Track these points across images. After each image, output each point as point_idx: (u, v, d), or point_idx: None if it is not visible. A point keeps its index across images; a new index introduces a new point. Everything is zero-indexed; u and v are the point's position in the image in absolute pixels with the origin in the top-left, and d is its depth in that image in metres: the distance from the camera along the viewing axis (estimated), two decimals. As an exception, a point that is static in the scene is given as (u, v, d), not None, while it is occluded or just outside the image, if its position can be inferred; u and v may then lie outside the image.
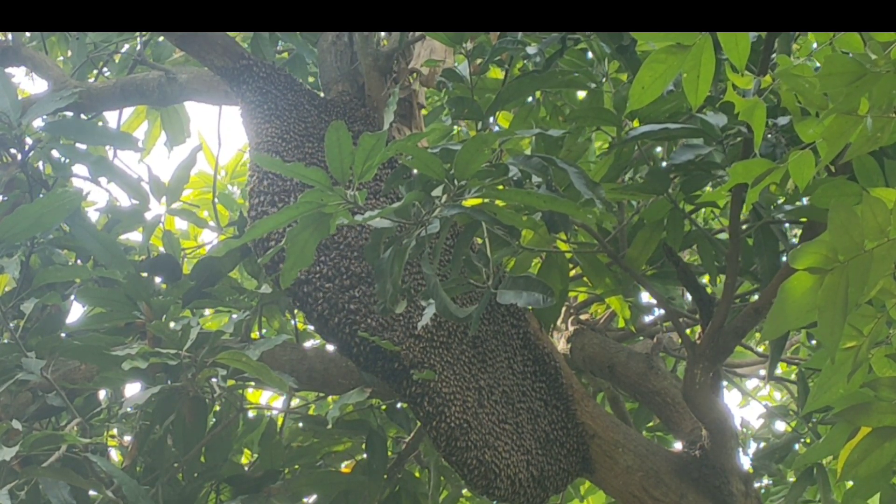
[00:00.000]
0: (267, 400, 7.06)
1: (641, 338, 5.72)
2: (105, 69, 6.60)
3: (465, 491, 5.98)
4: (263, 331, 5.84)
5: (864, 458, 3.32)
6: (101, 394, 5.19)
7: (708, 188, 4.40)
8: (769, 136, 3.96)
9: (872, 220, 2.53)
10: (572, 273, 4.79)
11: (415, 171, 3.73)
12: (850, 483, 3.70)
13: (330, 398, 5.67)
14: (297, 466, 5.41)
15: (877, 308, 2.91)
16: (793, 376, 6.39)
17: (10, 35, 5.90)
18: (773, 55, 3.61)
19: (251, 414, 5.70)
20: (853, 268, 2.57)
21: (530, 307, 4.29)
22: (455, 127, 6.00)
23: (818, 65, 3.04)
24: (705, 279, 5.48)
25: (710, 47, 3.08)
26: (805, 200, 4.00)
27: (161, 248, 5.92)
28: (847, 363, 3.01)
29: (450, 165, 3.46)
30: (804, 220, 4.10)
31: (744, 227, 4.18)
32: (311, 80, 6.26)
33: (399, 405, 5.43)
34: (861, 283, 2.58)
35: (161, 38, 6.28)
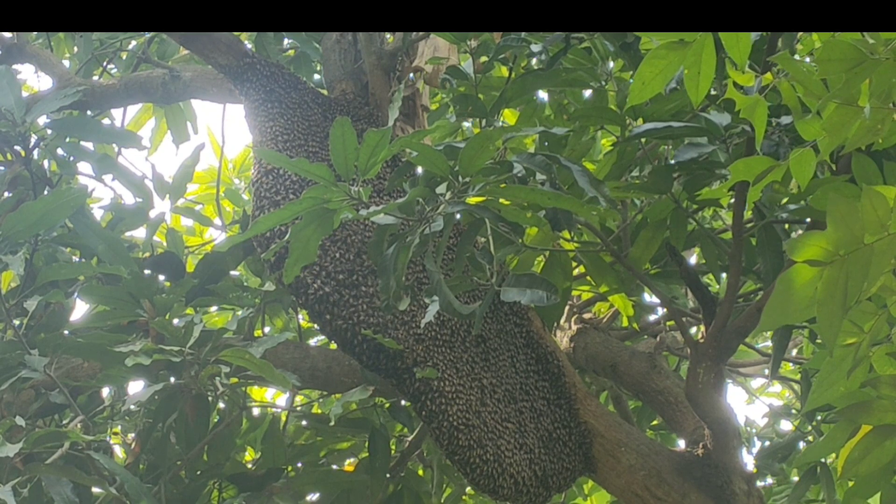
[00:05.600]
0: (271, 398, 7.08)
1: (645, 337, 5.73)
2: (111, 66, 6.60)
3: (467, 489, 5.98)
4: (266, 329, 5.85)
5: (865, 456, 3.30)
6: (105, 391, 5.19)
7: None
8: (773, 135, 3.95)
9: (872, 215, 2.52)
10: (575, 272, 4.79)
11: (419, 168, 3.73)
12: (852, 482, 3.69)
13: (333, 396, 5.68)
14: (299, 465, 5.41)
15: (878, 305, 2.90)
16: (798, 376, 6.39)
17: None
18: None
19: (254, 412, 5.70)
20: (853, 262, 2.56)
21: (533, 305, 4.31)
22: (463, 124, 6.01)
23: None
24: (708, 278, 5.48)
25: (710, 44, 3.08)
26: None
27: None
28: (847, 360, 3.00)
29: (454, 162, 3.46)
30: (808, 219, 4.10)
31: (747, 226, 4.18)
32: (316, 76, 6.26)
33: (402, 403, 5.43)
34: (861, 278, 2.57)
35: (165, 36, 6.28)
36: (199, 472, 4.99)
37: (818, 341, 5.39)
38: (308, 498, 5.37)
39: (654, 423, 6.18)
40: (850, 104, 2.74)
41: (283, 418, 5.76)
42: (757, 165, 3.01)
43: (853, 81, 2.70)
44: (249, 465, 5.61)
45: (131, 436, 5.05)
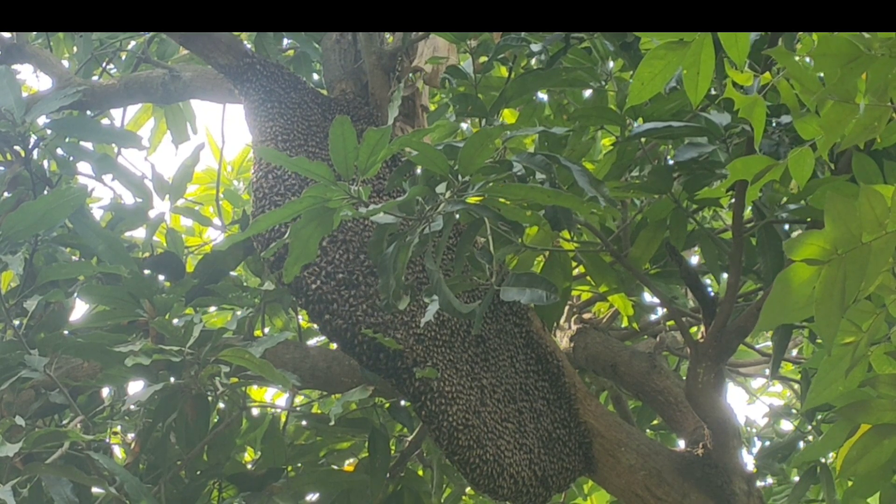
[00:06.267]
0: (271, 398, 7.07)
1: (645, 337, 5.72)
2: (111, 66, 6.61)
3: (467, 489, 5.98)
4: (266, 329, 5.84)
5: (863, 455, 3.30)
6: (104, 391, 5.19)
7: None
8: (773, 135, 3.95)
9: (870, 213, 2.51)
10: (575, 272, 4.79)
11: (418, 168, 3.73)
12: (851, 482, 3.69)
13: (333, 396, 5.68)
14: (299, 464, 5.41)
15: (876, 305, 2.90)
16: (798, 376, 6.39)
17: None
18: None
19: (254, 412, 5.70)
20: (851, 260, 2.55)
21: (533, 305, 4.31)
22: (461, 125, 6.01)
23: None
24: (708, 278, 5.47)
25: (709, 44, 3.08)
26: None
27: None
28: (845, 359, 3.00)
29: (454, 162, 3.46)
30: (808, 219, 4.10)
31: (748, 226, 4.18)
32: (316, 76, 6.26)
33: (402, 403, 5.43)
34: (859, 277, 2.56)
35: (165, 36, 6.28)
36: (198, 472, 4.99)
37: (818, 341, 5.39)
38: (308, 498, 5.37)
39: (654, 422, 6.17)
40: (847, 101, 2.74)
41: (283, 418, 5.76)
42: (755, 164, 3.01)
43: (848, 77, 2.70)
44: (249, 465, 5.62)
45: (131, 436, 5.05)
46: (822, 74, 2.85)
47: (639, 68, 3.17)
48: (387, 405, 5.56)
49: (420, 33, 4.97)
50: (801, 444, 6.02)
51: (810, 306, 2.61)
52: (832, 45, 2.67)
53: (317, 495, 5.39)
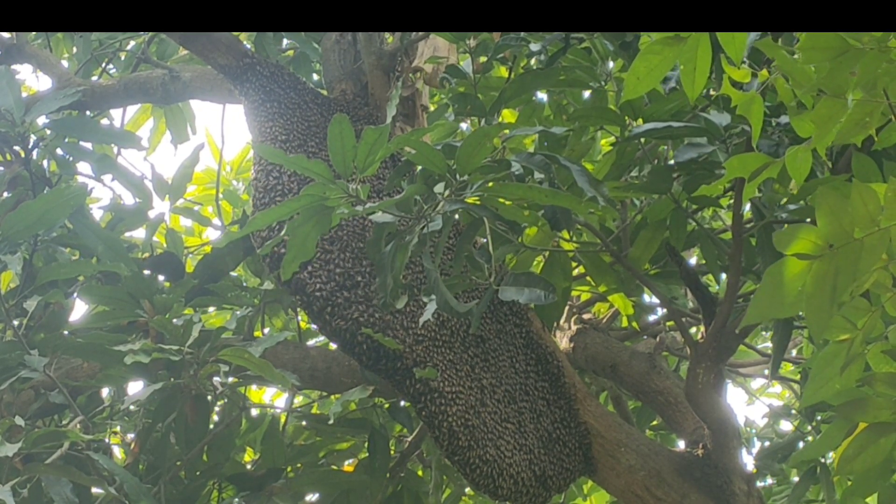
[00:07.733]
0: (270, 398, 7.08)
1: (644, 337, 5.72)
2: (110, 66, 6.61)
3: (467, 490, 5.98)
4: (266, 329, 5.84)
5: (860, 453, 3.29)
6: (104, 392, 5.19)
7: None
8: (773, 135, 3.95)
9: (863, 209, 2.50)
10: (575, 272, 4.79)
11: (417, 168, 3.73)
12: (850, 481, 3.68)
13: (332, 397, 5.68)
14: (299, 465, 5.41)
15: (874, 303, 2.89)
16: (798, 376, 6.40)
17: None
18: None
19: (254, 412, 5.70)
20: (842, 256, 2.54)
21: (532, 305, 4.30)
22: (461, 125, 6.01)
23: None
24: (708, 279, 5.47)
25: (706, 40, 3.06)
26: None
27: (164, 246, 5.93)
28: (840, 356, 2.99)
29: (452, 161, 3.46)
30: (807, 220, 4.09)
31: (747, 226, 4.18)
32: (315, 77, 6.26)
33: (402, 404, 5.43)
34: (851, 273, 2.55)
35: (165, 36, 6.29)
36: (198, 473, 4.98)
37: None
38: (307, 498, 5.37)
39: (654, 423, 6.17)
40: (838, 96, 2.73)
41: (283, 419, 5.76)
42: (752, 162, 3.00)
43: (837, 71, 2.69)
44: (249, 466, 5.61)
45: (130, 436, 5.05)
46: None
47: (634, 63, 3.13)
48: (386, 405, 5.56)
49: (420, 33, 4.97)
50: (801, 445, 6.02)
51: (801, 301, 2.61)
52: (820, 39, 2.66)
53: (316, 496, 5.39)
